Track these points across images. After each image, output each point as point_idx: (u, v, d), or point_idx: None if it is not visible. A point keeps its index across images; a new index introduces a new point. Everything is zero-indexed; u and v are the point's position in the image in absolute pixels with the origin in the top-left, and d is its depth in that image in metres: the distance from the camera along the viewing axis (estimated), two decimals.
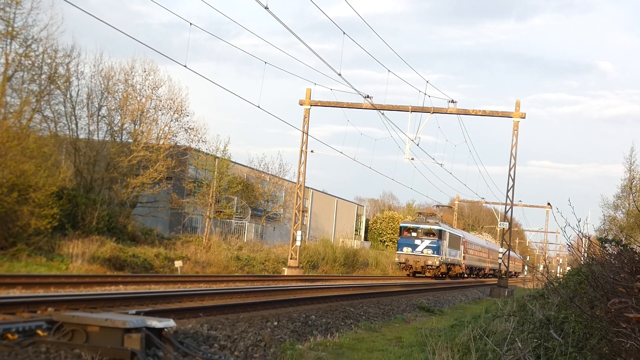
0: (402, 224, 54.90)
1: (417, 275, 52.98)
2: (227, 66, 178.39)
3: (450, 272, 56.79)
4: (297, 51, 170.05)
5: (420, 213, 57.47)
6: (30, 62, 31.02)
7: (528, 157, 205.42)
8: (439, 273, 52.46)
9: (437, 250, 51.36)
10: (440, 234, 52.04)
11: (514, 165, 41.34)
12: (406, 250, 51.57)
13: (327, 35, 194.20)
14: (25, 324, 9.33)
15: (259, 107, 27.70)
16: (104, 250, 28.41)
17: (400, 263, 52.01)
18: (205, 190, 41.03)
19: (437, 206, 61.65)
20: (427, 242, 51.46)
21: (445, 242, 53.15)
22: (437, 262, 51.01)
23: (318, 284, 29.15)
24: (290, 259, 41.07)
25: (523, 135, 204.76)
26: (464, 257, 62.21)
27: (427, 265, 51.03)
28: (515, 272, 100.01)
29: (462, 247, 60.99)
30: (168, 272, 29.61)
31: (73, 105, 36.23)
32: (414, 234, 52.26)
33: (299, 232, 41.49)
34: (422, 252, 51.38)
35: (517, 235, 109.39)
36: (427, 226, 52.32)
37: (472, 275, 71.55)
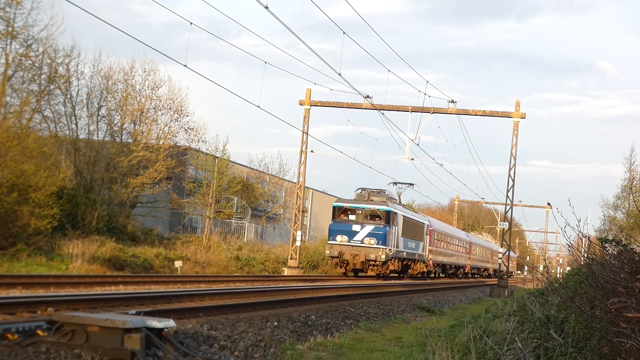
0: (335, 204, 40.43)
1: (360, 275, 40.83)
2: (227, 66, 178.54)
3: (409, 270, 45.09)
4: (297, 51, 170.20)
5: (362, 189, 41.05)
6: (30, 62, 31.05)
7: (528, 157, 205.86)
8: (387, 271, 39.85)
9: (383, 239, 37.91)
10: (388, 216, 38.59)
11: (514, 165, 41.37)
12: (340, 239, 38.05)
13: (327, 35, 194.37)
14: (25, 324, 9.32)
15: (259, 107, 27.78)
16: (104, 250, 28.41)
17: (332, 257, 38.44)
18: (205, 190, 41.04)
19: (395, 183, 45.78)
20: (369, 228, 38.05)
21: (397, 229, 39.96)
22: (383, 256, 37.67)
23: (318, 284, 29.16)
24: (290, 259, 41.06)
25: (523, 135, 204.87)
26: (430, 251, 49.44)
27: (369, 261, 37.83)
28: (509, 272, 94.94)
29: (427, 238, 48.25)
30: (168, 272, 29.61)
31: (73, 105, 36.26)
32: (351, 217, 38.68)
33: (299, 232, 41.48)
34: (362, 241, 37.92)
35: (517, 235, 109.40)
36: (370, 206, 38.77)
37: (447, 275, 59.61)
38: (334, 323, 15.35)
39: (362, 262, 37.97)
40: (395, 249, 39.70)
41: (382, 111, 38.82)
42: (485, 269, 76.67)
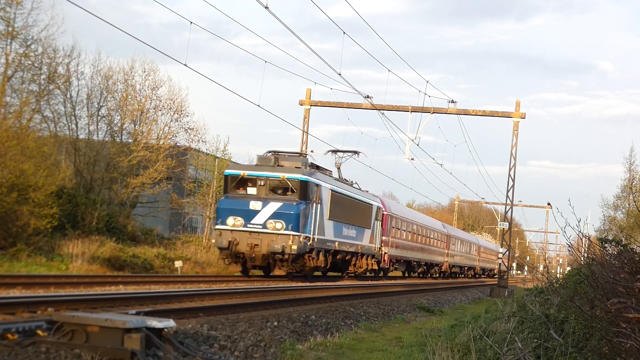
0: (227, 171, 28.41)
1: (271, 276, 29.07)
2: (227, 66, 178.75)
3: (350, 268, 34.11)
4: (297, 51, 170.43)
5: (272, 151, 29.20)
6: (30, 62, 31.05)
7: (528, 157, 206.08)
8: (307, 269, 28.29)
9: (295, 221, 26.42)
10: (305, 190, 26.96)
11: (514, 165, 41.39)
12: (233, 222, 26.67)
13: (327, 35, 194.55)
14: (25, 324, 9.32)
15: (259, 105, 27.75)
16: (104, 251, 28.41)
17: (221, 249, 27.10)
18: (205, 190, 41.04)
19: (334, 152, 35.17)
20: (274, 206, 26.59)
21: (321, 209, 28.30)
22: (295, 247, 26.25)
23: (318, 284, 29.13)
24: None
25: (523, 135, 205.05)
26: (385, 242, 38.39)
27: (274, 253, 26.46)
28: (497, 270, 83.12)
29: (378, 225, 36.91)
30: (168, 272, 29.60)
31: (73, 105, 36.27)
32: (250, 191, 27.26)
33: None
34: (264, 225, 26.53)
35: (517, 235, 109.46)
36: (278, 174, 27.04)
37: (417, 274, 49.90)
38: (334, 323, 15.36)
39: (265, 255, 26.58)
40: (317, 236, 27.92)
41: (382, 111, 38.81)
42: (471, 268, 67.74)
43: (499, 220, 62.24)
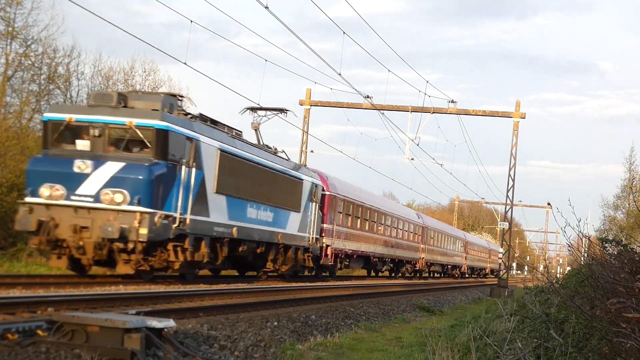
0: (47, 115, 18.32)
1: (125, 275, 19.49)
2: (227, 66, 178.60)
3: (269, 265, 24.97)
4: (297, 51, 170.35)
5: (131, 94, 18.98)
6: (30, 62, 31.09)
7: (528, 157, 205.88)
8: (174, 264, 18.72)
9: (145, 191, 16.98)
10: (165, 142, 17.47)
11: (514, 165, 41.40)
12: (48, 192, 17.39)
13: (327, 35, 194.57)
14: (25, 324, 9.33)
15: (258, 104, 27.62)
16: None
17: (31, 233, 17.81)
18: None
19: (253, 110, 26.79)
20: (113, 168, 17.18)
21: (200, 176, 19.07)
22: (146, 232, 16.74)
23: (318, 284, 29.14)
24: None
25: (523, 135, 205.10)
26: (328, 232, 29.92)
27: (112, 242, 16.91)
28: (490, 269, 76.05)
29: (313, 208, 27.94)
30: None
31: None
32: (81, 145, 17.72)
33: None
34: (96, 197, 17.04)
35: (517, 235, 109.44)
36: (123, 119, 17.48)
37: (392, 272, 42.74)
38: (334, 323, 15.36)
39: (98, 244, 17.18)
40: (191, 216, 18.73)
41: (382, 111, 38.81)
42: (455, 266, 59.78)
43: (499, 220, 61.73)
